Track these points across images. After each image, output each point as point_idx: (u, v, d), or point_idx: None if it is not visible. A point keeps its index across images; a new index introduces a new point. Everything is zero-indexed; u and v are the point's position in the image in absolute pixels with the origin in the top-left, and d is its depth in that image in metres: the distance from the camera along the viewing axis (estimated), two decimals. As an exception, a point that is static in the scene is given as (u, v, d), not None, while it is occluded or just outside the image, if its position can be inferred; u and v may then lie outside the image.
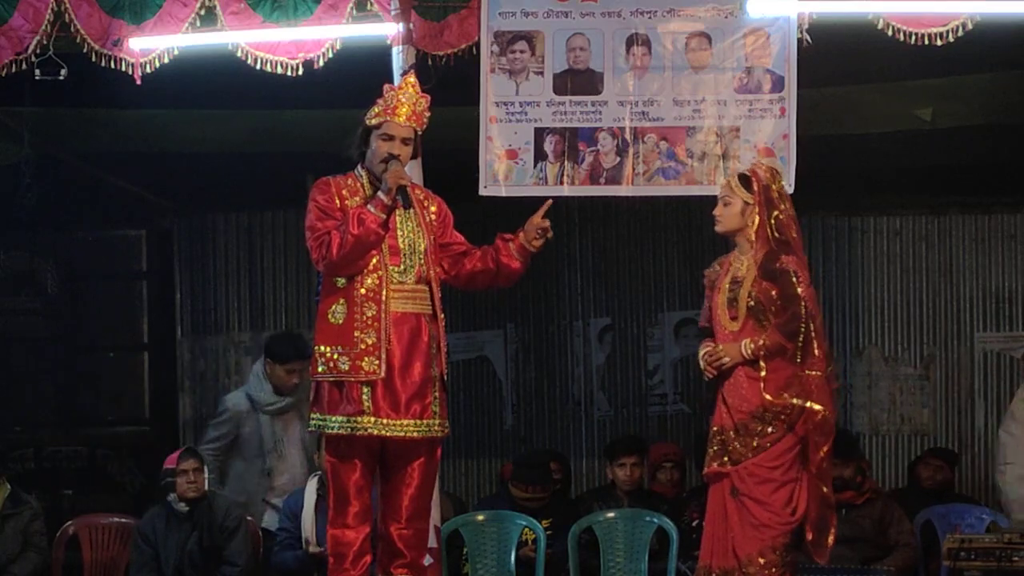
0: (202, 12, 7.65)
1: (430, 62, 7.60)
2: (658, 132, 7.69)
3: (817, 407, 6.56)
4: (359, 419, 6.49)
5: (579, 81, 7.69)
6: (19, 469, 10.75)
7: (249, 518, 8.64)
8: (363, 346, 6.47)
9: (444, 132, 7.96)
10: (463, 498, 10.37)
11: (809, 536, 6.67)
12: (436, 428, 6.63)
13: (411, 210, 6.66)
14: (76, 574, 8.90)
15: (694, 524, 8.55)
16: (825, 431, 6.62)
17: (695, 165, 7.69)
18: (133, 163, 10.20)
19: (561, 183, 7.71)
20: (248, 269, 11.26)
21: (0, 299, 11.19)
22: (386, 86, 6.70)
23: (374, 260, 6.53)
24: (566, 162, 7.70)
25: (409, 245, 6.61)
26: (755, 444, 6.57)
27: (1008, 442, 8.52)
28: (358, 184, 6.66)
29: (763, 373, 6.57)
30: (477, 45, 7.65)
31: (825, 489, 6.63)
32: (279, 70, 7.68)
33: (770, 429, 6.58)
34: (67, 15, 7.66)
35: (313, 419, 6.63)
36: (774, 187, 6.69)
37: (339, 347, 6.50)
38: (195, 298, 11.31)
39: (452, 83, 7.56)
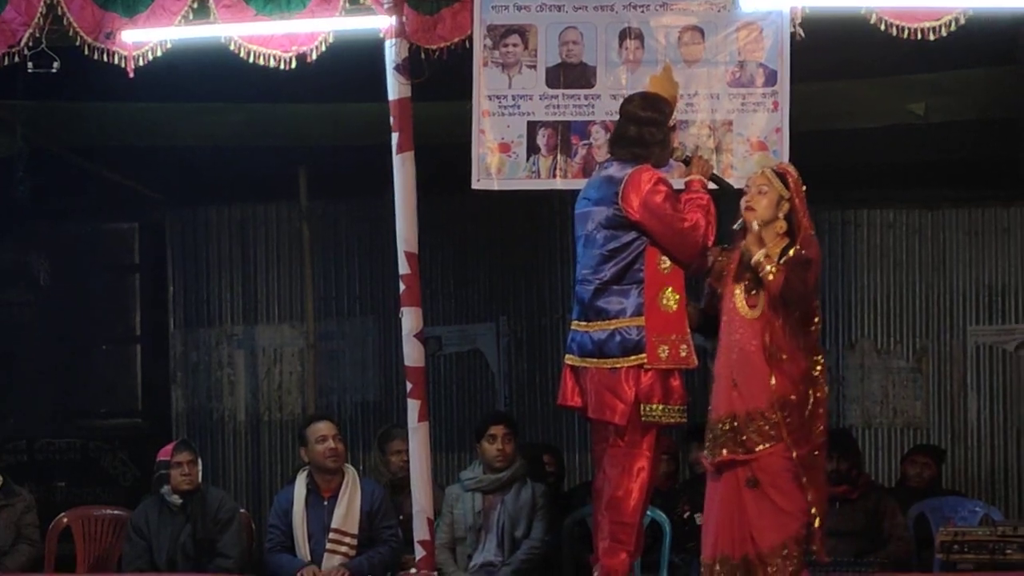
0: (195, 5, 7.64)
1: (423, 55, 7.59)
2: (651, 126, 7.68)
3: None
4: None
5: (572, 74, 7.68)
6: (12, 461, 10.76)
7: (242, 510, 8.63)
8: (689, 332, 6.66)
9: (436, 126, 7.98)
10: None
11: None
12: None
13: None
14: (69, 566, 8.89)
15: (686, 516, 8.56)
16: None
17: (688, 159, 7.68)
18: (126, 156, 10.20)
19: (554, 176, 7.70)
20: (241, 262, 11.26)
21: (-7, 292, 11.20)
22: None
23: None
24: (559, 155, 7.69)
25: None
26: (772, 433, 6.52)
27: None
28: None
29: (783, 356, 6.52)
30: (470, 39, 7.65)
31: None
32: (272, 63, 7.68)
33: (788, 419, 6.53)
34: (60, 8, 7.66)
35: (654, 410, 6.68)
36: (802, 188, 6.68)
37: (675, 335, 6.64)
38: (187, 291, 11.30)
39: (445, 77, 7.56)
